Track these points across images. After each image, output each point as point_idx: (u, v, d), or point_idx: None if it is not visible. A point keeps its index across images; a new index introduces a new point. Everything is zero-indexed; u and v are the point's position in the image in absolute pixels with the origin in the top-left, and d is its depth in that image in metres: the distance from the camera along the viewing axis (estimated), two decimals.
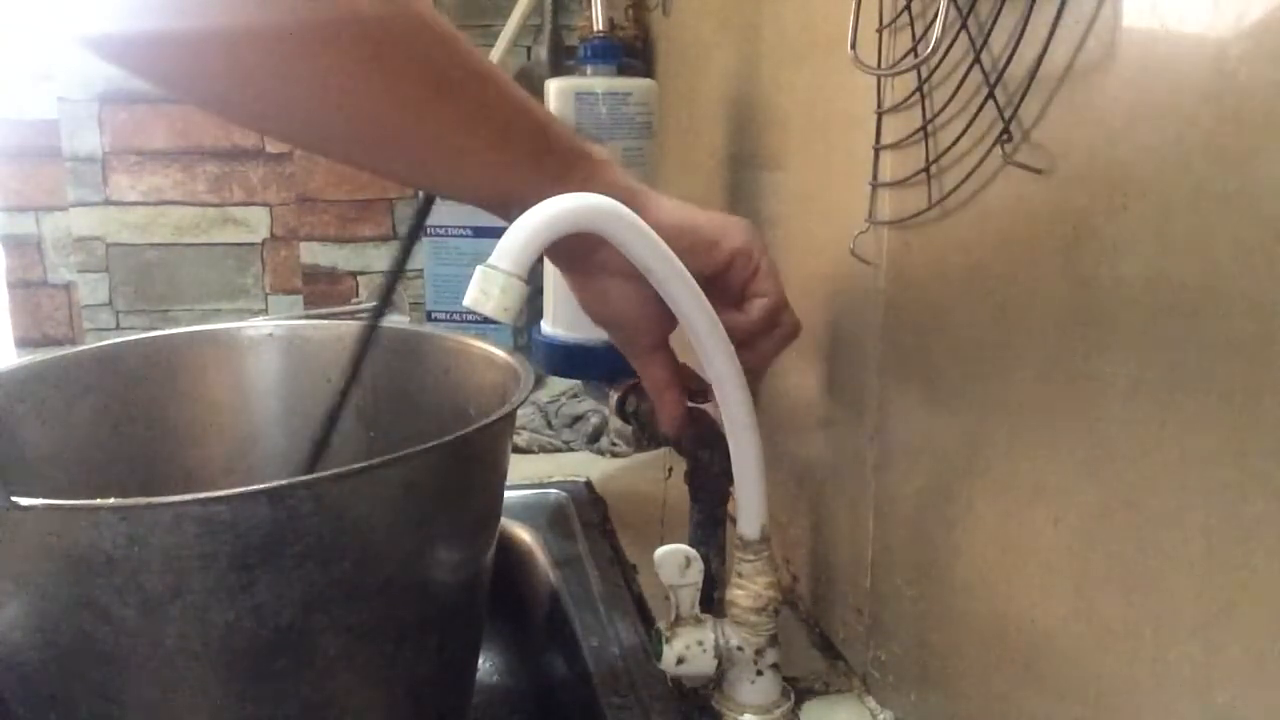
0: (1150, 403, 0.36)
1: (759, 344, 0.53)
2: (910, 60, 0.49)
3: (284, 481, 0.44)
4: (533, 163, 0.47)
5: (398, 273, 0.61)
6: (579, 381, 0.92)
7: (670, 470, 0.71)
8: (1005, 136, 0.42)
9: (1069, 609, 0.41)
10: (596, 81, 0.80)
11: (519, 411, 0.55)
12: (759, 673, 0.54)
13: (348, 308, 1.21)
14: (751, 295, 0.52)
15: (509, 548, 0.77)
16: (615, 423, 0.98)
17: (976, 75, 0.44)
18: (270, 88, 0.42)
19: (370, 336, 0.58)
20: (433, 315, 1.32)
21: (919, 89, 0.49)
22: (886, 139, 0.53)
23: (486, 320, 0.41)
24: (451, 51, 0.44)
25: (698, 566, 0.52)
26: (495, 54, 0.86)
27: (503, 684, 0.78)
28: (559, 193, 0.43)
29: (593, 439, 1.00)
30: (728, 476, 0.54)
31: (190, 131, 1.42)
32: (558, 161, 0.48)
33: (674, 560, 0.52)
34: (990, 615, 0.47)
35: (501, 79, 0.46)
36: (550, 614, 0.72)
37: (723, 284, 0.52)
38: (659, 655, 0.53)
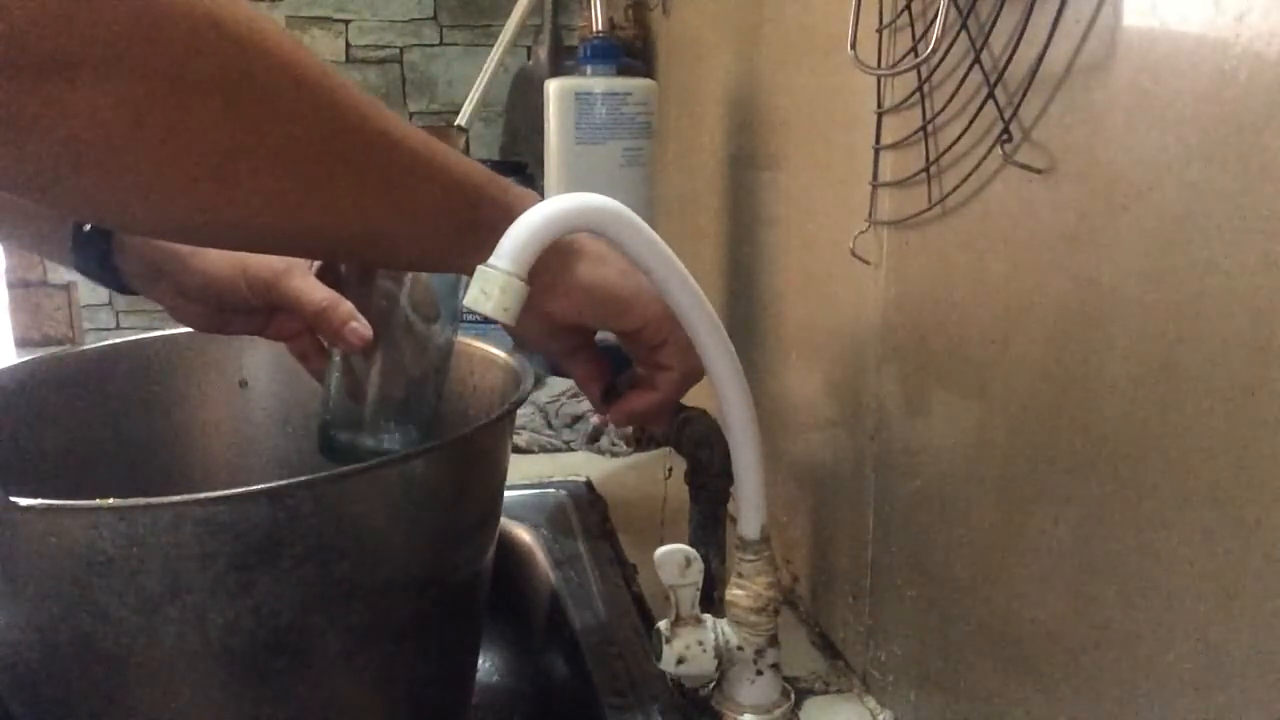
0: (1150, 402, 0.36)
1: (669, 408, 0.55)
2: (910, 60, 0.49)
3: (284, 482, 0.44)
4: (456, 236, 0.45)
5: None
6: None
7: (670, 470, 0.71)
8: (1005, 136, 0.42)
9: (1069, 609, 0.41)
10: (596, 81, 0.80)
11: (519, 411, 0.55)
12: (759, 673, 0.54)
13: None
14: (660, 367, 0.53)
15: (509, 548, 0.77)
16: None
17: (976, 75, 0.44)
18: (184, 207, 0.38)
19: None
20: None
21: (919, 89, 0.49)
22: (886, 139, 0.53)
23: (486, 320, 0.41)
24: (353, 128, 0.40)
25: (698, 566, 0.52)
26: (495, 54, 0.86)
27: (503, 684, 0.78)
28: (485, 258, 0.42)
29: (593, 439, 1.00)
30: (728, 476, 0.54)
31: None
32: (485, 230, 0.44)
33: (674, 560, 0.52)
34: (990, 615, 0.47)
35: (415, 148, 0.43)
36: (550, 614, 0.72)
37: (633, 347, 0.54)
38: (659, 655, 0.53)
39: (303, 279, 0.56)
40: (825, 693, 0.61)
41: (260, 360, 0.71)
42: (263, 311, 0.58)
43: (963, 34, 0.44)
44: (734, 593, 0.54)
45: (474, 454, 0.54)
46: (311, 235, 0.43)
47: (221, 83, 0.34)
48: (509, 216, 0.42)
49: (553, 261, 0.47)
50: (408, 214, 0.44)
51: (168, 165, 0.34)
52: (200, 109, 0.34)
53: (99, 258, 0.58)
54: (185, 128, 0.34)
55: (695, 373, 0.52)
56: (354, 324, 0.55)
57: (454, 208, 0.45)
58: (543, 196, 0.50)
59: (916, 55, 0.49)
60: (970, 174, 0.46)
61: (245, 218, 0.39)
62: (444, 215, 0.45)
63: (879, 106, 0.53)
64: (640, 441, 0.98)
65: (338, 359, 0.57)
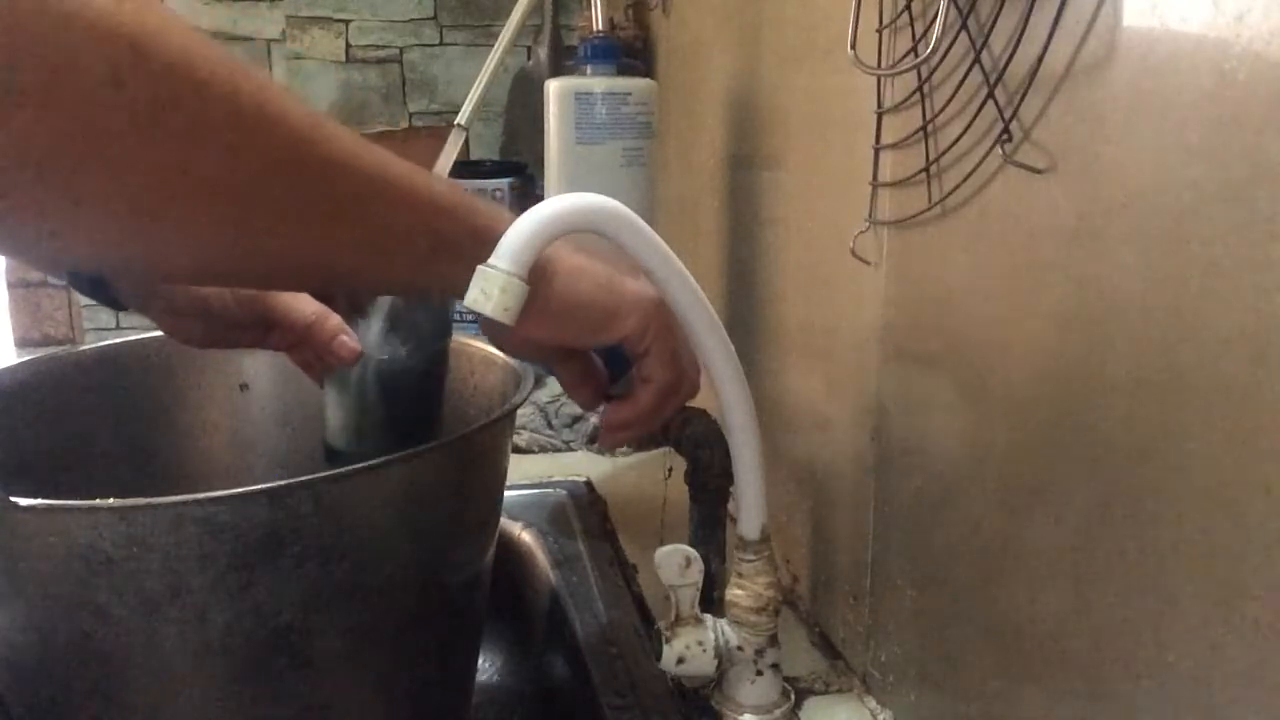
0: (1150, 402, 0.36)
1: (649, 421, 0.53)
2: (910, 60, 0.49)
3: (284, 482, 0.44)
4: (423, 260, 0.44)
5: None
6: None
7: (670, 470, 0.71)
8: (1005, 136, 0.42)
9: (1069, 609, 0.41)
10: (596, 81, 0.80)
11: (519, 411, 0.55)
12: (759, 673, 0.54)
13: None
14: (642, 379, 0.51)
15: (509, 548, 0.77)
16: None
17: (976, 75, 0.44)
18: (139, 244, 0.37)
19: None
20: None
21: (919, 89, 0.49)
22: (886, 139, 0.53)
23: None
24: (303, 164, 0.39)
25: (698, 566, 0.52)
26: (495, 54, 0.86)
27: (503, 684, 0.78)
28: (463, 277, 0.41)
29: (593, 439, 1.00)
30: (728, 476, 0.54)
31: None
32: (452, 252, 0.43)
33: (674, 560, 0.52)
34: (990, 615, 0.47)
35: (370, 173, 0.41)
36: (550, 614, 0.72)
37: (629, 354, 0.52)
38: (659, 655, 0.53)
39: (291, 293, 0.56)
40: (825, 693, 0.61)
41: (260, 361, 0.71)
42: (258, 325, 0.58)
43: (963, 34, 0.44)
44: (734, 593, 0.54)
45: (474, 454, 0.54)
46: (260, 268, 0.41)
47: (144, 112, 0.33)
48: (478, 238, 0.42)
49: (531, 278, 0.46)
50: (363, 241, 0.42)
51: (88, 198, 0.33)
52: (120, 140, 0.33)
53: (90, 275, 0.57)
54: (104, 159, 0.33)
55: (672, 386, 0.50)
56: (343, 337, 0.55)
57: (418, 231, 0.43)
58: (543, 196, 0.50)
59: (916, 55, 0.49)
60: (970, 174, 0.46)
61: (178, 252, 0.38)
62: (406, 240, 0.43)
63: (879, 106, 0.53)
64: (640, 441, 0.98)
65: (335, 372, 0.57)
